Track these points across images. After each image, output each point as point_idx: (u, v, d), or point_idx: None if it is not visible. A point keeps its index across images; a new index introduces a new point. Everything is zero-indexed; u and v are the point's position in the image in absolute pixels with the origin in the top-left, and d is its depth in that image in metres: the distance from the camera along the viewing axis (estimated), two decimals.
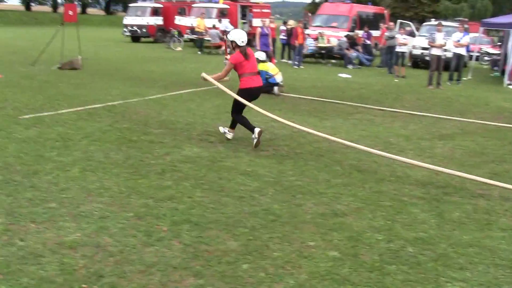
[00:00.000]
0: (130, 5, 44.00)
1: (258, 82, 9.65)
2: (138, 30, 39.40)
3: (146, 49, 32.53)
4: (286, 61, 27.39)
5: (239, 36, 9.47)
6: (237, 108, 9.60)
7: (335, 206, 6.46)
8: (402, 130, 11.43)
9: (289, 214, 6.11)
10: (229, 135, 9.77)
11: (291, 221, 5.88)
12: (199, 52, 31.07)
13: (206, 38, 31.57)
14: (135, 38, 40.25)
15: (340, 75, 21.79)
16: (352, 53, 26.11)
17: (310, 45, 27.05)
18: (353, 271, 4.78)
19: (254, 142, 9.05)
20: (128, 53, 28.70)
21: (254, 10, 38.14)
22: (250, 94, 9.56)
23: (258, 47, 22.01)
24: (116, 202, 6.23)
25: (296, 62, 24.72)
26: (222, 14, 34.65)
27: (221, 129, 9.96)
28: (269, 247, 5.20)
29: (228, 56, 9.96)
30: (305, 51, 26.95)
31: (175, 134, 9.91)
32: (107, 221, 5.61)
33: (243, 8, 37.24)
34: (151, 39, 40.14)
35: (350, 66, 25.35)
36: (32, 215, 5.69)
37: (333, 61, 27.22)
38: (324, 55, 27.38)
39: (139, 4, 42.50)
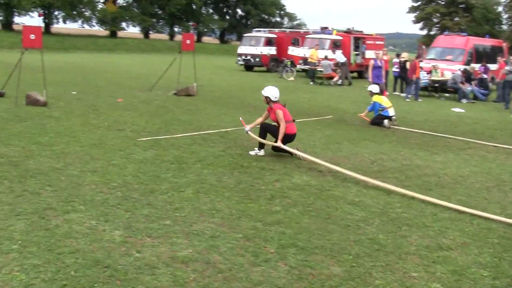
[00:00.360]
0: (245, 34, 45.29)
1: (295, 129, 10.94)
2: (252, 60, 40.43)
3: (259, 78, 33.30)
4: (398, 93, 27.22)
5: (272, 92, 10.71)
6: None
7: (441, 239, 6.49)
8: None
9: (393, 244, 6.21)
10: (261, 153, 10.73)
11: (395, 251, 5.99)
12: (311, 83, 31.45)
13: (319, 68, 31.94)
14: (249, 67, 41.32)
15: (454, 109, 21.40)
16: (467, 87, 25.53)
17: (423, 78, 26.73)
18: None
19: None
20: (241, 82, 29.52)
21: (368, 41, 38.13)
22: (290, 139, 10.80)
23: (370, 79, 22.08)
24: (227, 223, 6.58)
25: (411, 95, 24.52)
26: (335, 45, 34.92)
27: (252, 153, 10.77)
28: (371, 274, 5.34)
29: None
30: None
31: (285, 162, 10.21)
32: (218, 240, 5.97)
33: (356, 39, 37.32)
34: (264, 68, 41.04)
35: (464, 101, 24.79)
36: (148, 230, 6.16)
37: (447, 94, 26.73)
38: (438, 88, 26.93)
39: (253, 34, 43.65)
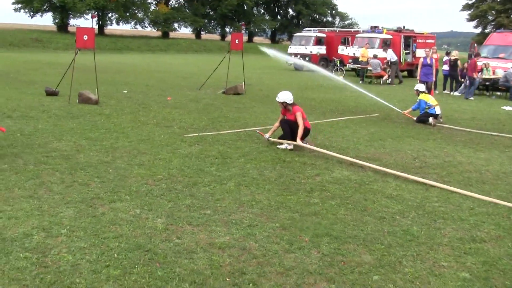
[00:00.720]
0: (295, 34, 45.52)
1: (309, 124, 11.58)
2: (302, 59, 40.58)
3: (309, 77, 33.40)
4: (448, 92, 26.98)
5: (287, 96, 11.41)
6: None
7: (475, 232, 6.58)
8: None
9: (426, 235, 6.35)
10: (290, 146, 11.04)
11: (427, 242, 6.13)
12: (361, 81, 31.42)
13: (368, 68, 31.89)
14: (299, 66, 41.46)
15: (504, 107, 21.10)
16: None
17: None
18: None
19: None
20: (290, 81, 29.73)
21: (418, 40, 37.80)
22: (307, 133, 11.40)
23: (418, 77, 22.01)
24: (265, 213, 6.84)
25: (469, 95, 24.30)
26: (385, 44, 34.76)
27: (281, 146, 11.10)
28: (401, 263, 5.51)
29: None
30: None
31: (327, 157, 10.38)
32: (255, 229, 6.23)
33: (407, 38, 37.03)
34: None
35: None
36: (189, 219, 6.48)
37: (498, 93, 26.34)
38: (489, 87, 26.56)
39: (304, 33, 43.83)
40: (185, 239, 5.82)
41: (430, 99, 15.90)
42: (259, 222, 6.51)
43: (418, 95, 16.13)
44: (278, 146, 11.09)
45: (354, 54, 35.78)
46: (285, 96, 11.39)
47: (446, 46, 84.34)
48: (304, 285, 4.90)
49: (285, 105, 11.41)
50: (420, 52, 34.68)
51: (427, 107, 15.60)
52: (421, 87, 16.44)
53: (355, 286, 4.93)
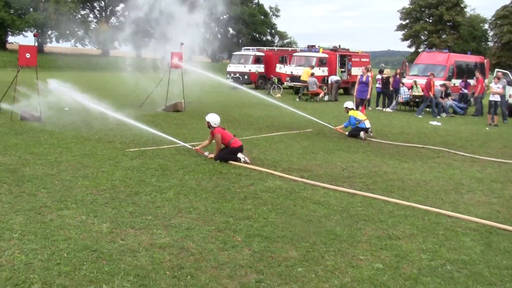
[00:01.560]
0: (234, 53, 46.43)
1: (239, 142, 12.17)
2: (241, 77, 41.45)
3: (246, 95, 34.14)
4: (380, 108, 28.24)
5: (213, 119, 12.19)
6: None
7: (392, 231, 7.34)
8: (478, 173, 11.97)
9: (348, 235, 7.07)
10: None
11: (348, 240, 6.85)
12: (298, 99, 32.40)
13: (304, 85, 32.97)
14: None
15: (431, 122, 22.34)
16: (446, 102, 26.53)
17: (404, 93, 27.78)
18: (390, 278, 5.69)
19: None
20: (229, 99, 30.40)
21: (353, 59, 39.23)
22: (238, 151, 11.92)
23: (355, 94, 23.01)
24: (202, 218, 7.45)
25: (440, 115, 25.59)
26: (321, 62, 35.96)
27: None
28: (324, 257, 6.20)
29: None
30: (400, 100, 27.87)
31: (260, 169, 11.05)
32: (192, 232, 6.83)
33: (342, 57, 38.40)
34: (252, 85, 42.02)
35: (443, 115, 25.77)
36: (131, 223, 7.04)
37: (428, 109, 27.69)
38: (419, 103, 27.91)
39: (243, 52, 44.77)
40: (129, 240, 6.38)
41: (359, 115, 16.84)
42: (196, 225, 7.11)
43: (348, 112, 17.03)
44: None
45: (291, 72, 36.83)
46: (211, 118, 12.26)
47: (383, 65, 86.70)
48: (236, 276, 5.52)
49: (209, 125, 12.25)
50: (355, 70, 36.07)
51: (357, 122, 16.50)
52: (349, 104, 17.38)
53: (281, 276, 5.59)
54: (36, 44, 17.79)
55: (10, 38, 75.10)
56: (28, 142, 12.69)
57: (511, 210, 8.87)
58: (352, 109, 17.14)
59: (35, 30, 70.07)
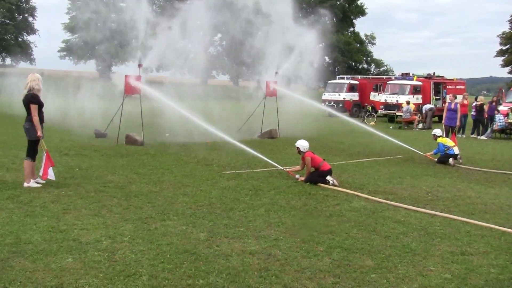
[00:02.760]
0: (329, 81, 47.25)
1: (328, 165, 12.91)
2: (335, 106, 42.13)
3: (341, 123, 34.78)
4: (475, 136, 28.05)
5: (303, 144, 13.07)
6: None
7: (466, 248, 7.84)
8: None
9: (422, 249, 7.64)
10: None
11: (422, 254, 7.43)
12: (391, 127, 32.72)
13: (398, 113, 33.27)
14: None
15: None
16: None
17: (499, 121, 27.51)
18: (456, 286, 6.25)
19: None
20: (323, 126, 31.08)
21: (448, 86, 39.06)
22: (327, 173, 12.66)
23: (443, 121, 23.20)
24: (289, 231, 8.25)
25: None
26: (415, 90, 36.13)
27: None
28: (397, 267, 6.82)
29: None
30: (495, 127, 27.60)
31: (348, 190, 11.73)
32: (279, 242, 7.65)
33: (437, 84, 38.36)
34: (347, 113, 42.58)
35: None
36: (226, 233, 7.98)
37: None
38: None
39: (337, 81, 45.54)
40: (223, 247, 7.28)
41: (447, 142, 17.13)
42: (284, 237, 7.92)
43: (436, 139, 17.37)
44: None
45: (385, 100, 37.17)
46: (301, 144, 13.13)
47: (485, 92, 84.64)
48: (316, 278, 6.27)
49: (299, 151, 13.12)
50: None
51: (446, 149, 16.82)
52: (437, 131, 17.77)
53: (355, 280, 6.28)
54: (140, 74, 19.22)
55: (114, 68, 79.33)
56: (133, 164, 13.96)
57: None
58: (440, 136, 17.49)
59: (138, 61, 73.70)
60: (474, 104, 29.16)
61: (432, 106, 34.30)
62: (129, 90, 18.24)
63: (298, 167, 13.35)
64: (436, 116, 37.85)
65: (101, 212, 8.87)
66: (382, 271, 6.66)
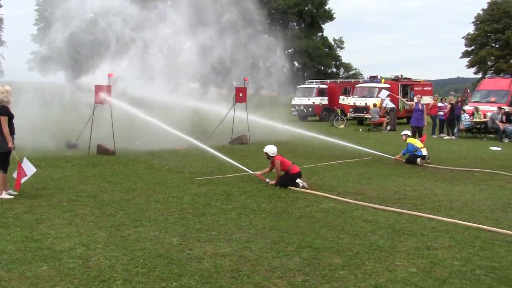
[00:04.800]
0: (298, 86, 47.68)
1: (297, 168, 13.14)
2: (305, 110, 42.58)
3: (311, 127, 35.13)
4: (443, 135, 28.60)
5: (271, 149, 13.29)
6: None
7: (431, 243, 8.11)
8: None
9: (389, 246, 7.90)
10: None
11: (389, 250, 7.68)
12: (360, 130, 33.15)
13: (367, 116, 33.72)
14: (302, 117, 43.38)
15: (491, 148, 22.64)
16: (508, 127, 26.62)
17: (465, 120, 28.08)
18: (421, 280, 6.50)
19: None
20: (292, 130, 31.30)
21: (416, 88, 39.70)
22: (297, 176, 12.88)
23: (410, 122, 23.57)
24: (260, 233, 8.45)
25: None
26: None
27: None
28: (364, 263, 7.06)
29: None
30: (461, 127, 28.19)
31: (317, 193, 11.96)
32: (251, 244, 7.85)
33: (404, 86, 38.97)
34: (317, 118, 43.05)
35: (506, 140, 25.91)
36: (198, 237, 8.16)
37: (491, 135, 27.86)
38: (480, 129, 28.17)
39: (306, 85, 45.98)
40: (195, 250, 7.46)
41: (416, 143, 17.49)
42: (255, 239, 8.11)
43: (406, 140, 17.73)
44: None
45: (354, 103, 37.64)
46: (269, 149, 13.35)
47: (453, 93, 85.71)
48: (286, 277, 6.47)
49: (268, 156, 13.32)
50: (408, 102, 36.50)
51: (414, 149, 17.16)
52: (408, 132, 18.12)
53: (325, 277, 6.51)
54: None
55: (83, 79, 78.99)
56: (105, 173, 14.05)
57: None
58: (410, 136, 17.89)
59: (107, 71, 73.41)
60: (441, 105, 29.70)
61: (393, 105, 34.52)
62: (99, 100, 18.29)
63: (266, 169, 13.56)
64: (404, 118, 38.48)
65: (74, 221, 8.97)
66: (350, 268, 6.89)
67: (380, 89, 37.14)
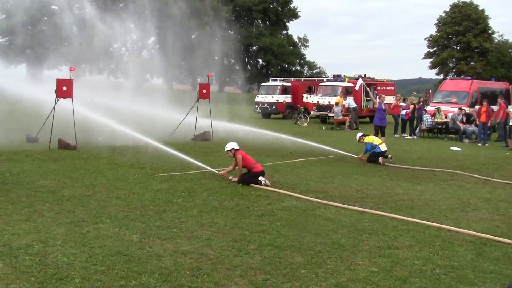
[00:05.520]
0: (262, 84, 47.68)
1: (260, 167, 13.13)
2: (269, 107, 42.60)
3: (275, 124, 35.18)
4: (405, 135, 28.96)
5: (233, 145, 13.30)
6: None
7: (392, 242, 8.16)
8: (487, 194, 12.65)
9: (351, 245, 7.91)
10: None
11: (350, 249, 7.70)
12: (323, 128, 33.29)
13: (330, 114, 33.91)
14: (266, 114, 43.40)
15: (452, 148, 22.99)
16: (468, 128, 27.07)
17: (427, 120, 28.46)
18: (382, 279, 6.52)
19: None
20: (256, 127, 31.27)
21: (379, 87, 40.05)
22: (259, 175, 12.82)
23: (373, 122, 23.74)
24: (221, 231, 8.38)
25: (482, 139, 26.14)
26: (347, 92, 36.83)
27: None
28: (326, 262, 7.06)
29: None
30: (423, 127, 28.57)
31: (279, 191, 11.94)
32: (212, 241, 7.77)
33: (367, 86, 39.24)
34: (280, 115, 43.12)
35: (466, 141, 26.35)
36: (158, 235, 8.04)
37: (451, 136, 28.30)
38: (442, 130, 28.56)
39: (270, 83, 45.99)
40: (155, 248, 7.35)
41: (374, 140, 17.65)
42: (216, 237, 8.04)
43: (362, 141, 17.87)
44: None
45: (318, 101, 37.78)
46: (230, 146, 13.34)
47: (415, 93, 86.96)
48: (247, 276, 6.42)
49: (233, 152, 13.24)
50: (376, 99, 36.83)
51: (373, 147, 17.29)
52: (359, 134, 18.45)
53: (286, 275, 6.48)
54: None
55: (46, 72, 77.73)
56: (65, 168, 13.78)
57: (510, 226, 9.58)
58: (366, 135, 18.04)
59: (69, 65, 72.44)
60: (403, 104, 30.05)
61: (355, 105, 34.84)
62: (61, 94, 17.92)
63: (230, 168, 13.49)
64: (367, 117, 38.85)
65: (32, 216, 8.74)
66: (311, 266, 6.87)
67: (355, 81, 37.52)
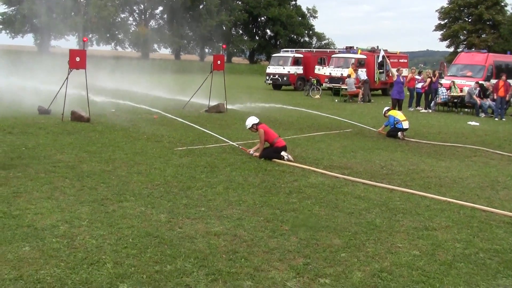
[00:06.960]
0: (273, 55, 47.09)
1: (283, 142, 12.77)
2: (280, 79, 42.09)
3: (286, 96, 34.81)
4: (420, 108, 28.53)
5: (253, 120, 12.91)
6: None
7: (428, 223, 7.84)
8: None
9: (387, 225, 7.59)
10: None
11: (387, 230, 7.37)
12: (336, 100, 32.85)
13: (343, 86, 33.43)
14: (277, 86, 42.91)
15: (469, 123, 22.59)
16: (485, 102, 26.60)
17: (442, 94, 27.99)
18: (426, 263, 6.20)
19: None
20: (269, 100, 30.91)
21: (392, 60, 39.41)
22: (282, 149, 12.47)
23: (391, 94, 23.32)
24: (251, 210, 8.05)
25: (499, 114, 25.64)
26: (359, 64, 36.29)
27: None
28: (365, 245, 6.74)
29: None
30: (438, 100, 28.10)
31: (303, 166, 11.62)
32: (243, 221, 7.44)
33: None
34: (291, 87, 42.64)
35: (482, 115, 25.92)
36: (187, 214, 7.70)
37: (466, 110, 27.86)
38: (457, 103, 28.09)
39: (281, 54, 45.40)
40: (186, 228, 7.02)
41: (398, 115, 17.24)
42: (246, 216, 7.72)
43: (387, 115, 17.45)
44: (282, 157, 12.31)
45: (330, 73, 37.26)
46: (250, 121, 12.96)
47: (422, 65, 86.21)
48: (286, 260, 6.10)
49: (256, 127, 12.86)
50: (394, 71, 36.26)
51: (396, 121, 16.90)
52: (386, 108, 18.00)
53: (326, 260, 6.15)
54: (77, 47, 18.50)
55: (53, 42, 77.26)
56: (81, 141, 13.44)
57: None
58: (390, 109, 17.64)
59: (76, 34, 71.93)
60: (418, 77, 29.59)
61: (366, 77, 34.37)
62: (74, 65, 17.52)
63: (257, 146, 13.00)
64: (379, 89, 38.37)
65: (54, 194, 8.40)
66: (351, 249, 6.55)
67: (378, 52, 36.97)
